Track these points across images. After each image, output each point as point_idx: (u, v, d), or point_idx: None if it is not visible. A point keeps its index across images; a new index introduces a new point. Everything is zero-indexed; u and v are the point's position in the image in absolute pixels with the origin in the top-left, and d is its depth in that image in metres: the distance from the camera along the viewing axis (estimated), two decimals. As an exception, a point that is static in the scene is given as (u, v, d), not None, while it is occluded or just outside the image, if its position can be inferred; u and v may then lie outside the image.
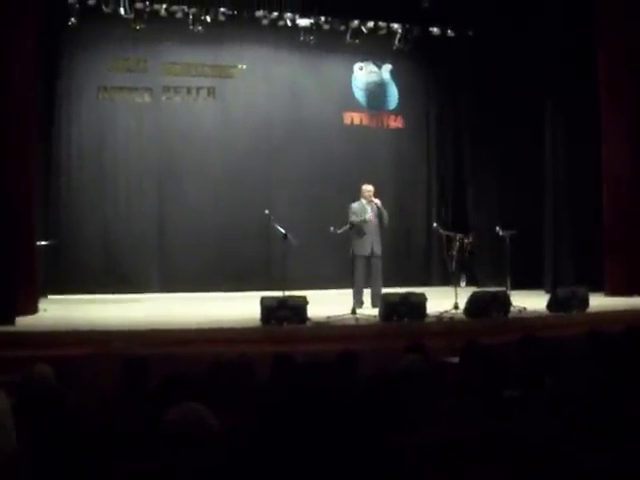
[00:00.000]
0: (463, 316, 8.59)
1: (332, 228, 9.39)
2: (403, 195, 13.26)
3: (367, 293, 9.78)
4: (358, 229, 9.68)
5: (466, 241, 9.68)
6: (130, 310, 9.65)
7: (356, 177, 11.55)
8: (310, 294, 8.56)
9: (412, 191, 13.47)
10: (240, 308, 9.26)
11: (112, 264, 11.70)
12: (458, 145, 13.51)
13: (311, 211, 12.33)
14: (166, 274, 11.91)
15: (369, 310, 9.06)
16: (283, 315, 8.00)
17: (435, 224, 10.69)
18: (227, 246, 12.11)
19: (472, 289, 10.09)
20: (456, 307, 8.85)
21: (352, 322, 8.36)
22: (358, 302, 9.42)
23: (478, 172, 13.11)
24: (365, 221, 9.73)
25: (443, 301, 9.05)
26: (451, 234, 9.85)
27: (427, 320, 8.36)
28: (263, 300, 8.16)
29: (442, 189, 13.60)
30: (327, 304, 9.20)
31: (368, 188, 9.95)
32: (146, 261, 11.90)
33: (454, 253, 9.46)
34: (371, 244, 9.78)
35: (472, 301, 8.64)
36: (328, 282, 11.70)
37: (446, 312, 8.67)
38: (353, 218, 9.73)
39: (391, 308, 8.33)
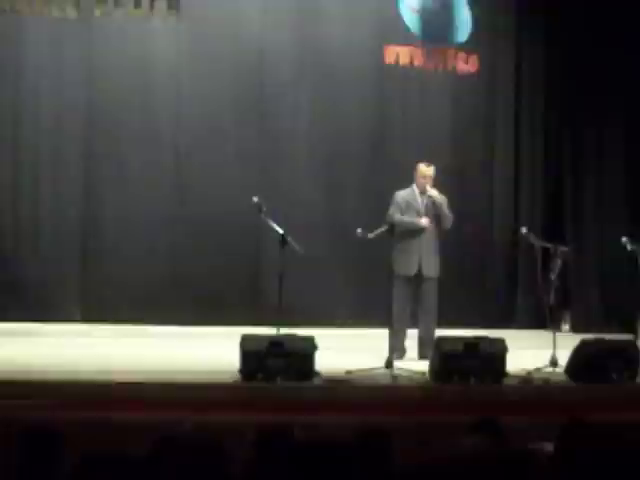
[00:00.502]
0: (564, 378, 8.68)
1: (359, 230, 9.47)
2: (471, 181, 13.36)
3: (412, 336, 9.79)
4: (401, 234, 9.65)
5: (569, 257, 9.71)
6: (37, 347, 9.70)
7: (399, 150, 11.72)
8: (320, 333, 8.72)
9: (485, 175, 13.52)
10: (208, 351, 9.54)
11: (11, 280, 11.66)
12: (562, 112, 13.48)
13: (325, 203, 12.48)
14: (91, 295, 11.97)
15: (414, 363, 9.11)
16: (276, 365, 8.07)
17: (524, 229, 10.47)
18: (189, 254, 12.08)
19: (580, 336, 9.96)
20: (554, 363, 8.89)
21: (386, 381, 8.42)
22: (397, 350, 9.42)
23: (591, 154, 13.19)
24: (414, 223, 9.75)
25: (533, 353, 9.21)
26: (549, 246, 9.75)
27: (506, 382, 8.46)
28: (245, 340, 8.19)
29: (532, 176, 13.63)
30: (346, 351, 9.54)
31: (427, 172, 9.93)
32: (63, 276, 11.97)
33: (553, 277, 9.37)
34: (420, 259, 9.84)
35: (580, 355, 8.71)
36: (348, 316, 11.92)
37: (537, 370, 8.74)
38: (397, 216, 9.71)
39: (450, 362, 8.42)
